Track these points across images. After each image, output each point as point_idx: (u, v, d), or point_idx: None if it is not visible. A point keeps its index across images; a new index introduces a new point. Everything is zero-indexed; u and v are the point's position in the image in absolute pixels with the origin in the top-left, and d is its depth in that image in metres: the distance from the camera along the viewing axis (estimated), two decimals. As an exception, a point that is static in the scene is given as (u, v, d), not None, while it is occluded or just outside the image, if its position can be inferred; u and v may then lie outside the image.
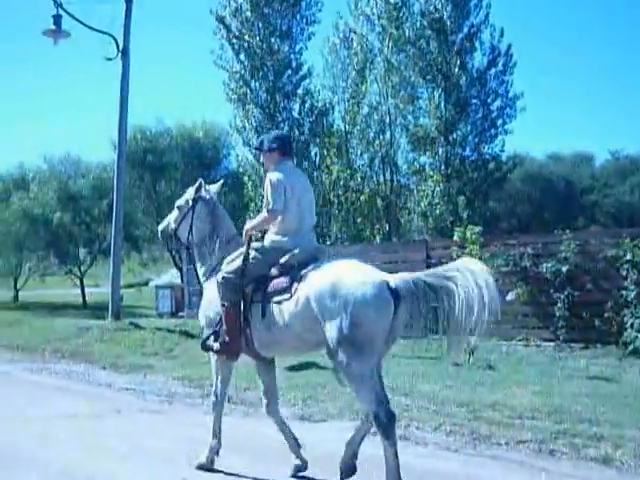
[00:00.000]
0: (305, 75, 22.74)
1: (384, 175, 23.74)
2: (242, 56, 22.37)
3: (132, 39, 15.43)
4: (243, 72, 22.33)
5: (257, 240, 5.69)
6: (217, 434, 5.81)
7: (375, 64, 23.28)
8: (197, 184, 6.19)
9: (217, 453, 5.76)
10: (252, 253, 5.51)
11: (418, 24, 23.18)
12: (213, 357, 5.78)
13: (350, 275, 4.96)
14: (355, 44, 23.05)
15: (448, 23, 22.86)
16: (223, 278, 5.48)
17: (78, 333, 13.41)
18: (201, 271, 6.12)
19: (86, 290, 25.05)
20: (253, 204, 21.99)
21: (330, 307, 4.86)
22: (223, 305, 5.46)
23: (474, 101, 23.74)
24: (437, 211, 22.43)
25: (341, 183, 22.28)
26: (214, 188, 6.25)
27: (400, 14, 23.07)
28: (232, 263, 5.58)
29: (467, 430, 6.70)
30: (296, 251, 5.40)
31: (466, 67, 23.30)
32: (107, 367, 10.90)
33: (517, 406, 7.40)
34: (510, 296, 11.62)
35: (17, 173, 27.77)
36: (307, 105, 22.60)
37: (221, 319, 5.54)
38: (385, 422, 4.75)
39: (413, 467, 5.73)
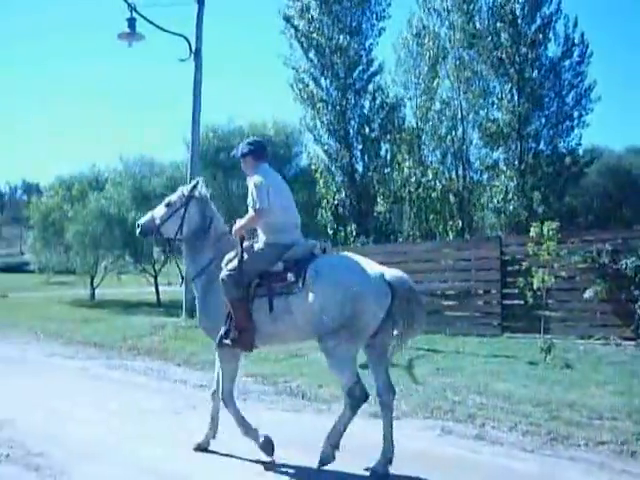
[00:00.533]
0: (376, 71, 22.59)
1: (456, 171, 23.46)
2: (311, 54, 22.38)
3: (204, 40, 15.65)
4: (313, 70, 22.36)
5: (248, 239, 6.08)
6: (246, 425, 6.06)
7: (447, 59, 23.01)
8: (194, 182, 6.58)
9: (270, 443, 5.91)
10: (248, 251, 5.93)
11: (489, 17, 22.82)
12: (218, 358, 6.17)
13: (353, 268, 5.59)
14: (427, 39, 22.80)
15: (520, 15, 22.44)
16: (226, 276, 5.81)
17: (153, 330, 13.62)
18: (190, 268, 6.48)
19: (160, 288, 25.42)
20: (325, 201, 22.01)
21: (335, 297, 5.41)
22: (231, 302, 5.79)
23: (548, 94, 23.23)
24: (511, 207, 22.06)
25: (412, 180, 22.09)
26: (204, 189, 6.56)
27: (470, 7, 22.76)
28: (232, 262, 5.93)
29: (544, 430, 6.57)
30: (295, 247, 5.92)
31: (539, 59, 22.83)
32: (182, 364, 11.08)
33: (596, 406, 7.22)
34: (588, 293, 11.35)
35: (91, 174, 28.35)
36: (378, 101, 22.48)
37: (229, 316, 5.82)
38: (358, 397, 5.58)
39: (488, 466, 5.66)
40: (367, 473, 5.53)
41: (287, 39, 22.81)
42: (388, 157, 22.89)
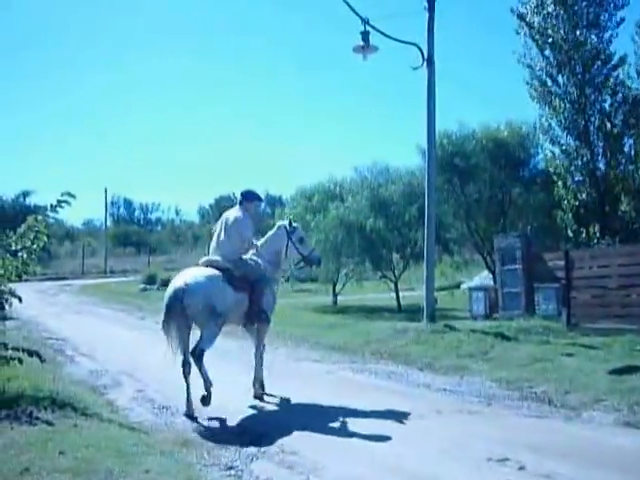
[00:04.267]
0: (616, 64, 21.38)
1: None
2: (547, 51, 21.67)
3: (436, 46, 15.66)
4: (549, 68, 21.63)
5: None
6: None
7: (696, 43, 21.30)
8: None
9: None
10: None
11: None
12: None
13: (173, 279, 8.55)
14: (671, 26, 21.29)
15: None
16: None
17: (395, 335, 13.68)
18: None
19: (400, 294, 25.68)
20: (565, 202, 21.26)
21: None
22: None
23: None
24: None
25: (662, 175, 20.66)
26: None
27: None
28: None
29: None
30: None
31: None
32: (424, 368, 11.05)
33: None
34: None
35: (330, 184, 29.18)
36: (619, 96, 21.33)
37: None
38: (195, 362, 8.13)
39: None
40: None
41: (521, 37, 22.26)
42: (632, 153, 21.63)
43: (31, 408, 7.17)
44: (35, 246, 8.16)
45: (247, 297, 8.67)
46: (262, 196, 9.66)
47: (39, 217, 8.18)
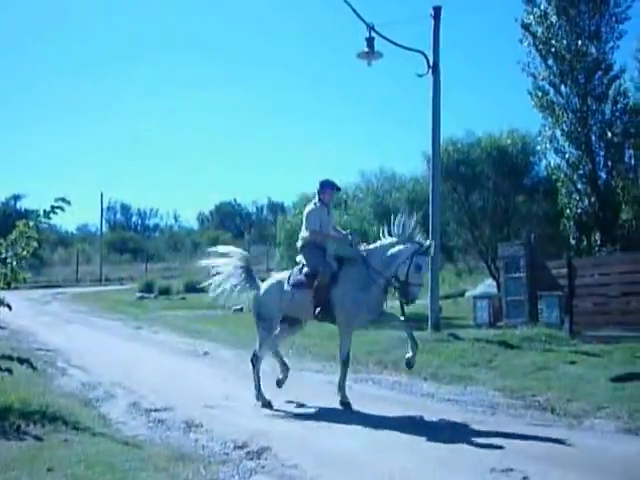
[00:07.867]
0: (616, 75, 21.53)
1: None
2: (550, 61, 21.81)
3: (441, 54, 15.67)
4: (552, 78, 21.77)
5: None
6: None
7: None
8: None
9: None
10: None
11: None
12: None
13: None
14: (669, 41, 21.41)
15: None
16: None
17: (399, 344, 13.50)
18: None
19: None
20: (567, 210, 21.38)
21: None
22: None
23: None
24: None
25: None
26: None
27: None
28: None
29: None
30: None
31: None
32: (428, 378, 11.05)
33: None
34: None
35: (334, 190, 29.13)
36: (619, 106, 21.47)
37: None
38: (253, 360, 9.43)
39: None
40: None
41: (525, 47, 22.38)
42: (632, 162, 21.76)
43: (19, 422, 7.02)
44: (25, 252, 7.90)
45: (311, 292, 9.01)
46: (337, 184, 9.94)
47: (30, 222, 7.93)
